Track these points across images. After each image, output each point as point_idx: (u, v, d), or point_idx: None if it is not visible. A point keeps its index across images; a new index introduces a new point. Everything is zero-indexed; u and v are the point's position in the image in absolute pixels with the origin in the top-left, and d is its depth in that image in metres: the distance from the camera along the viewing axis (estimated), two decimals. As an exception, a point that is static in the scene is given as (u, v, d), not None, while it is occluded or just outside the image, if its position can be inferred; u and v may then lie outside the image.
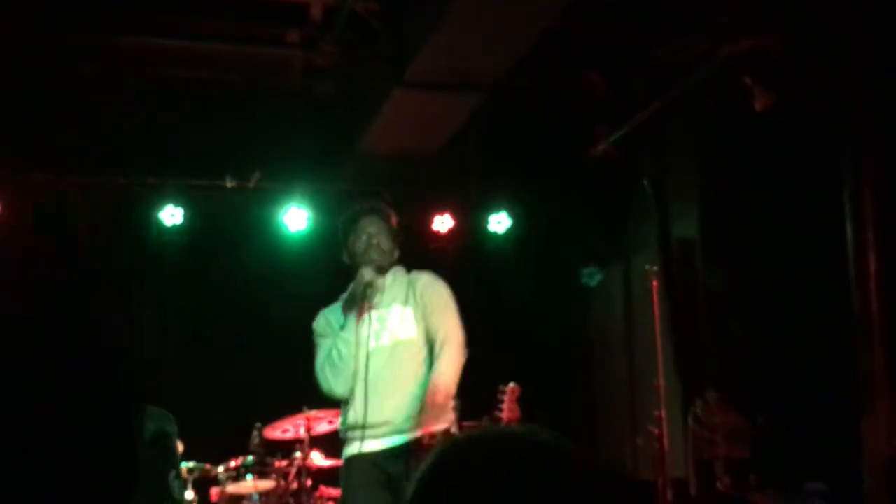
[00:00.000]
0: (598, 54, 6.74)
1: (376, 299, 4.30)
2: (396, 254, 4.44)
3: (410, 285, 4.39)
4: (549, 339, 7.72)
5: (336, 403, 4.74)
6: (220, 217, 7.36)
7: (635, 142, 6.81)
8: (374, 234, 4.33)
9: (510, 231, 7.93)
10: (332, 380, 4.27)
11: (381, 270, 4.31)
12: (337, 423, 5.64)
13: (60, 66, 6.52)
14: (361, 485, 4.19)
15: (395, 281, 4.38)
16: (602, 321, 7.81)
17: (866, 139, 4.66)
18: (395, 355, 4.24)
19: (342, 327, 4.30)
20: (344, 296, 4.43)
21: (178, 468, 2.45)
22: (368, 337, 4.26)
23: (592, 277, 7.62)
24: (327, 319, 4.39)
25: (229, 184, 7.27)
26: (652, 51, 6.15)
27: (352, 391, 4.28)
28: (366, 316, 4.30)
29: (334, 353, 4.27)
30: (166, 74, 6.94)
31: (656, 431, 5.33)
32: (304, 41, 6.63)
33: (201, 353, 7.10)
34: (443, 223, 7.75)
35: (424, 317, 4.34)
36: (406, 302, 4.34)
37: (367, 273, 4.25)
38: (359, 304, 4.26)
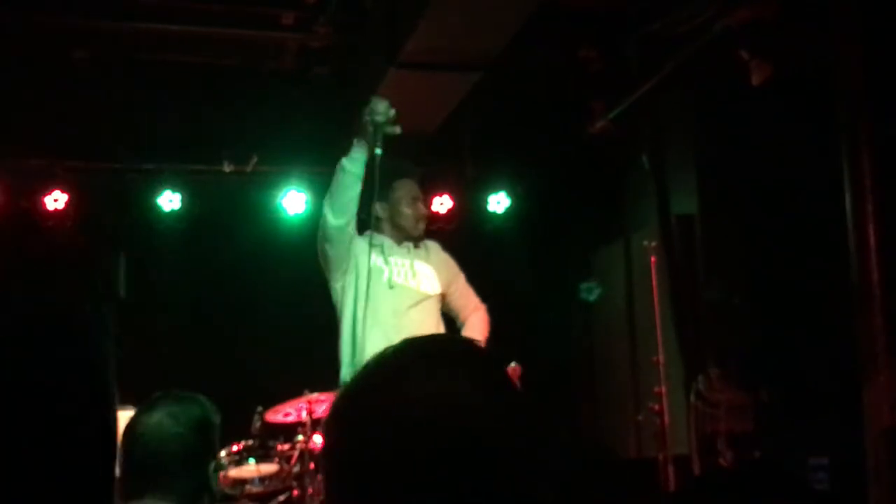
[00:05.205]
0: (593, 29, 6.69)
1: (403, 249, 4.33)
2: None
3: (426, 248, 4.44)
4: (550, 317, 7.70)
5: (337, 385, 4.70)
6: (219, 202, 7.34)
7: (633, 118, 6.76)
8: (419, 197, 4.46)
9: (510, 210, 7.90)
10: (331, 203, 4.12)
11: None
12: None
13: (53, 52, 6.48)
14: None
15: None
16: (602, 297, 7.79)
17: (863, 108, 4.61)
18: (421, 306, 4.23)
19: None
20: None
21: (217, 460, 2.38)
22: (392, 273, 4.22)
23: (591, 292, 7.58)
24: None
25: (227, 168, 7.24)
26: (648, 24, 6.09)
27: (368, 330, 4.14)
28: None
29: (339, 173, 4.12)
30: (161, 59, 6.89)
31: (656, 408, 5.32)
32: (298, 23, 6.59)
33: (201, 338, 7.10)
34: (442, 204, 7.71)
35: (448, 282, 4.39)
36: (428, 261, 4.37)
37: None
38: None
